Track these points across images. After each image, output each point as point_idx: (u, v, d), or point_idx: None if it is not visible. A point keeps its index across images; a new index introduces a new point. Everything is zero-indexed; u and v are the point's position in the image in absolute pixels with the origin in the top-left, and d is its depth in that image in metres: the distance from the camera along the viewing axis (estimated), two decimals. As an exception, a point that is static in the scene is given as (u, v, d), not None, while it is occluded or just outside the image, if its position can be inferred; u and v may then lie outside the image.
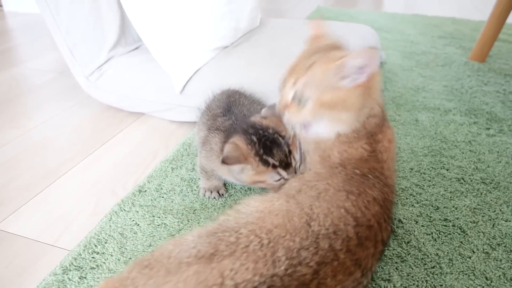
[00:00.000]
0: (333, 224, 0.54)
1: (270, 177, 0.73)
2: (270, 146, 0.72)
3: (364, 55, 0.60)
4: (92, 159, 1.03)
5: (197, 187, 0.90)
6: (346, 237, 0.53)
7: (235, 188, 0.90)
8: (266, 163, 0.71)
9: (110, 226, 0.79)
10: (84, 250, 0.73)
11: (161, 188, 0.89)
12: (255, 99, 0.98)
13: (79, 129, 1.17)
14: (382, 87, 0.66)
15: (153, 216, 0.81)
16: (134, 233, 0.77)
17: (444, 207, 0.85)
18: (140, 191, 0.88)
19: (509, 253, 0.74)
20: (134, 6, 1.06)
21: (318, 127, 0.69)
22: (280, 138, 0.73)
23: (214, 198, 0.86)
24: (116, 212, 0.82)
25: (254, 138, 0.72)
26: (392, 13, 2.66)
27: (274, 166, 0.71)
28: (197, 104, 1.11)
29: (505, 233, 0.79)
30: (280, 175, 0.72)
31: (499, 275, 0.70)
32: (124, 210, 0.83)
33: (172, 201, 0.86)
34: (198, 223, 0.79)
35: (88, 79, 1.20)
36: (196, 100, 1.11)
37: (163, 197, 0.87)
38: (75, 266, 0.70)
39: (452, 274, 0.69)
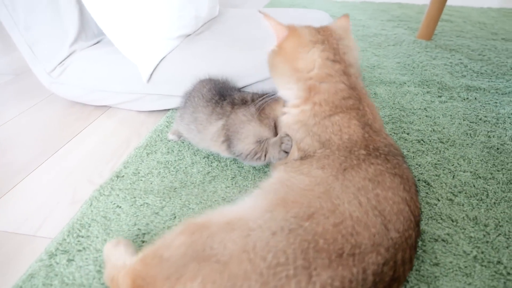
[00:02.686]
0: None
1: None
2: None
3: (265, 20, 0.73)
4: (63, 152, 1.02)
5: (174, 168, 0.92)
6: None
7: (212, 164, 0.93)
8: None
9: (92, 211, 0.79)
10: (68, 235, 0.73)
11: (138, 172, 0.90)
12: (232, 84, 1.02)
13: (46, 126, 1.15)
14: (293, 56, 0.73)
15: (134, 198, 0.82)
16: (118, 215, 0.78)
17: (409, 165, 0.92)
18: (117, 176, 0.89)
19: (470, 198, 0.82)
20: (92, -2, 1.06)
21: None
22: None
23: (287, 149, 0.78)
24: (96, 198, 0.82)
25: None
26: (343, 1, 2.76)
27: None
28: (166, 91, 1.13)
29: (464, 182, 0.87)
30: None
31: (463, 217, 0.77)
32: (104, 195, 0.83)
33: (151, 183, 0.87)
34: (180, 199, 0.81)
35: (50, 75, 1.18)
36: (164, 87, 1.13)
37: (141, 180, 0.88)
38: (61, 250, 0.70)
39: (422, 220, 0.76)
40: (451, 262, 0.67)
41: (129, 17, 1.09)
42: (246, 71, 1.08)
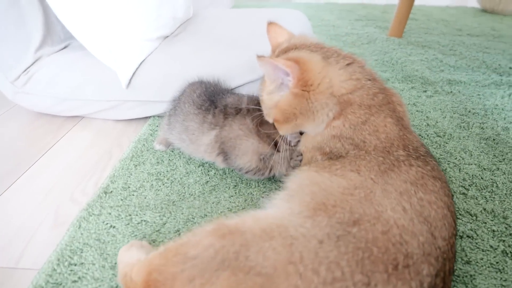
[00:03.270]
0: None
1: None
2: None
3: (286, 64, 0.59)
4: (36, 169, 0.90)
5: (167, 179, 0.83)
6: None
7: (209, 175, 0.85)
8: None
9: (82, 234, 0.69)
10: (58, 264, 0.63)
11: (129, 187, 0.81)
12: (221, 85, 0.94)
13: (12, 142, 1.03)
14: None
15: (130, 215, 0.73)
16: (113, 236, 0.69)
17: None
18: (105, 192, 0.79)
19: (481, 191, 0.80)
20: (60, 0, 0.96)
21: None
22: None
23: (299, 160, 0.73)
24: (84, 218, 0.73)
25: None
26: (307, 3, 2.76)
27: None
28: (147, 97, 1.04)
29: (472, 175, 0.85)
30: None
31: (481, 210, 0.74)
32: (94, 214, 0.74)
33: (145, 197, 0.78)
34: (182, 213, 0.73)
35: (14, 85, 1.06)
36: (145, 93, 1.04)
37: (133, 195, 0.79)
38: (52, 283, 0.60)
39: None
40: (482, 259, 0.64)
41: (103, 18, 1.00)
42: (232, 71, 1.02)
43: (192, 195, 0.79)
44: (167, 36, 1.18)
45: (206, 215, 0.73)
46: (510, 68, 1.47)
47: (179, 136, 0.84)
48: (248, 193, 0.79)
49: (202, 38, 1.17)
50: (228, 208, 0.75)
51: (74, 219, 0.73)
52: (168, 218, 0.72)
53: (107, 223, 0.72)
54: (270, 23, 0.78)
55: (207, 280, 0.42)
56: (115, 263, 0.63)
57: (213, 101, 0.81)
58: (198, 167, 0.88)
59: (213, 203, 0.77)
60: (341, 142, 0.61)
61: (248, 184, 0.82)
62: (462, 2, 2.93)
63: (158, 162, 0.89)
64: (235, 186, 0.81)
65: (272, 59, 0.60)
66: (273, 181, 0.83)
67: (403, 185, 0.51)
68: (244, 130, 0.75)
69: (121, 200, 0.77)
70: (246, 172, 0.78)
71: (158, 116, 1.10)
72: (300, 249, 0.43)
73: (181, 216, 0.73)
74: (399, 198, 0.50)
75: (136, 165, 0.88)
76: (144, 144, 0.96)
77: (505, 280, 0.61)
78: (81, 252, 0.66)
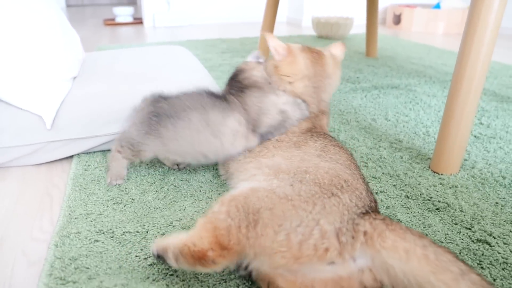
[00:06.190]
0: None
1: None
2: None
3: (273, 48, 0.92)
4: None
5: (126, 200, 0.89)
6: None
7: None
8: None
9: (70, 249, 0.71)
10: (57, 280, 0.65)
11: (92, 212, 0.84)
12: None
13: None
14: (293, 74, 0.91)
15: (110, 229, 0.77)
16: (102, 247, 0.73)
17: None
18: (71, 219, 0.81)
19: (375, 162, 1.07)
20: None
21: None
22: None
23: None
24: (66, 236, 0.74)
25: None
26: (170, 41, 2.93)
27: None
28: (74, 134, 1.07)
29: (365, 153, 1.12)
30: None
31: (380, 175, 1.01)
32: (72, 233, 0.75)
33: (114, 216, 0.82)
34: (158, 221, 0.81)
35: None
36: (71, 131, 1.06)
37: (100, 217, 0.82)
38: (62, 305, 0.62)
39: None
40: (394, 204, 0.89)
41: (13, 64, 1.01)
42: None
43: (157, 208, 0.87)
44: (76, 77, 1.21)
45: (181, 219, 0.82)
46: (357, 78, 1.90)
47: (190, 141, 0.85)
48: (208, 197, 0.91)
49: (110, 76, 1.23)
50: (195, 211, 0.85)
51: (51, 241, 0.74)
52: (149, 226, 0.79)
53: (90, 238, 0.75)
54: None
55: (247, 223, 0.59)
56: (119, 267, 0.68)
57: (213, 93, 0.90)
58: (151, 185, 0.95)
59: (180, 210, 0.86)
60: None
61: (203, 191, 0.93)
62: (299, 30, 3.50)
63: (108, 190, 0.94)
64: (192, 195, 0.92)
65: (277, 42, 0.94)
66: (224, 185, 0.96)
67: (315, 152, 0.78)
68: (257, 93, 0.88)
69: (91, 221, 0.81)
70: (275, 130, 0.88)
71: (86, 153, 1.11)
72: (281, 191, 0.64)
73: (159, 223, 0.80)
74: (321, 156, 0.76)
75: (88, 195, 0.91)
76: (84, 178, 0.98)
77: (413, 215, 0.86)
78: (81, 261, 0.68)
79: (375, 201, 0.68)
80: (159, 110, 0.86)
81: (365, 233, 0.57)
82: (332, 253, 0.56)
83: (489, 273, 0.69)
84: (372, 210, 0.64)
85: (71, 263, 0.69)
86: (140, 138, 0.88)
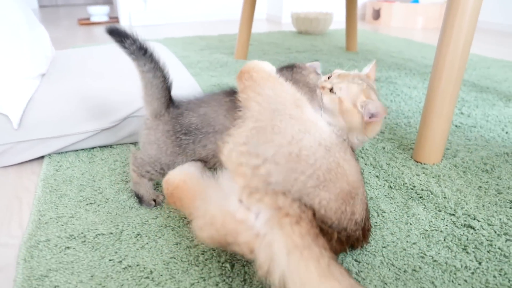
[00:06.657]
0: None
1: None
2: None
3: (377, 109, 0.75)
4: None
5: (100, 200, 0.85)
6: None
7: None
8: None
9: (39, 262, 0.67)
10: (26, 295, 0.61)
11: (63, 215, 0.80)
12: None
13: None
14: (372, 135, 0.79)
15: (82, 233, 0.73)
16: (73, 255, 0.68)
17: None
18: (40, 224, 0.76)
19: (358, 155, 1.06)
20: None
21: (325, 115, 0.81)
22: None
23: None
24: (33, 247, 0.69)
25: None
26: (148, 40, 2.87)
27: None
28: (43, 134, 1.02)
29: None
30: None
31: (364, 165, 0.99)
32: (41, 241, 0.71)
33: (86, 218, 0.78)
34: (134, 220, 0.77)
35: None
36: (41, 130, 1.01)
37: (71, 220, 0.78)
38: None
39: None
40: (378, 194, 0.87)
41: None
42: (127, 97, 1.08)
43: (132, 208, 0.83)
44: (44, 74, 1.16)
45: (157, 217, 0.78)
46: (336, 69, 1.88)
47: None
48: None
49: (81, 73, 1.18)
50: (172, 208, 0.82)
51: (20, 254, 0.69)
52: (123, 226, 0.75)
53: (60, 246, 0.70)
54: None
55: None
56: (91, 276, 0.64)
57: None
58: (126, 184, 0.91)
59: (156, 208, 0.82)
60: None
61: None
62: (279, 27, 3.48)
63: (81, 190, 0.89)
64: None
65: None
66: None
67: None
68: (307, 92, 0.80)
69: (62, 225, 0.76)
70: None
71: (57, 153, 1.06)
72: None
73: (134, 222, 0.77)
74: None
75: (60, 197, 0.86)
76: (55, 179, 0.94)
77: (397, 205, 0.84)
78: (49, 279, 0.64)
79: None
80: (189, 128, 0.75)
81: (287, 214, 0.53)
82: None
83: (475, 257, 0.67)
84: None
85: (39, 286, 0.65)
86: (170, 160, 0.77)
